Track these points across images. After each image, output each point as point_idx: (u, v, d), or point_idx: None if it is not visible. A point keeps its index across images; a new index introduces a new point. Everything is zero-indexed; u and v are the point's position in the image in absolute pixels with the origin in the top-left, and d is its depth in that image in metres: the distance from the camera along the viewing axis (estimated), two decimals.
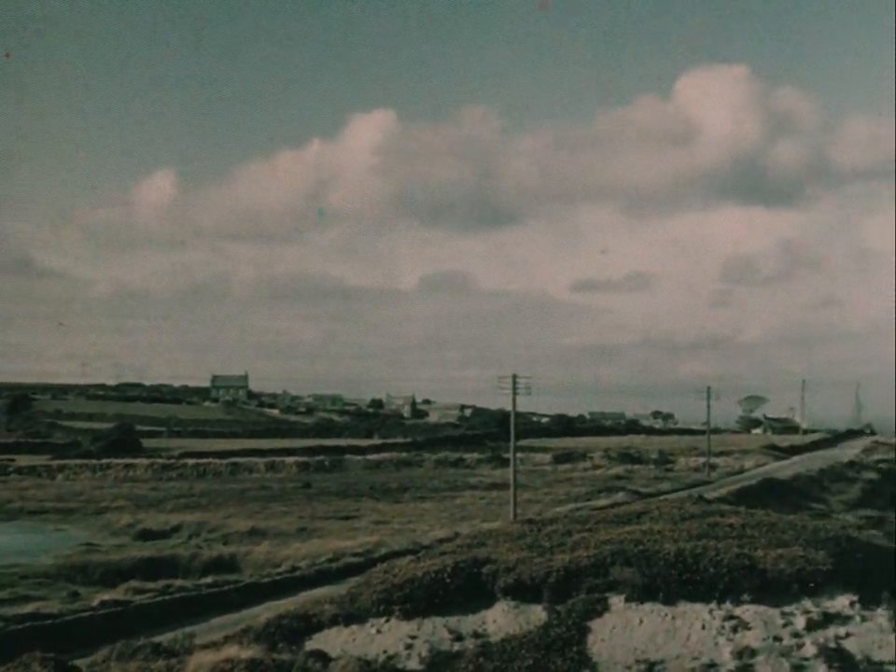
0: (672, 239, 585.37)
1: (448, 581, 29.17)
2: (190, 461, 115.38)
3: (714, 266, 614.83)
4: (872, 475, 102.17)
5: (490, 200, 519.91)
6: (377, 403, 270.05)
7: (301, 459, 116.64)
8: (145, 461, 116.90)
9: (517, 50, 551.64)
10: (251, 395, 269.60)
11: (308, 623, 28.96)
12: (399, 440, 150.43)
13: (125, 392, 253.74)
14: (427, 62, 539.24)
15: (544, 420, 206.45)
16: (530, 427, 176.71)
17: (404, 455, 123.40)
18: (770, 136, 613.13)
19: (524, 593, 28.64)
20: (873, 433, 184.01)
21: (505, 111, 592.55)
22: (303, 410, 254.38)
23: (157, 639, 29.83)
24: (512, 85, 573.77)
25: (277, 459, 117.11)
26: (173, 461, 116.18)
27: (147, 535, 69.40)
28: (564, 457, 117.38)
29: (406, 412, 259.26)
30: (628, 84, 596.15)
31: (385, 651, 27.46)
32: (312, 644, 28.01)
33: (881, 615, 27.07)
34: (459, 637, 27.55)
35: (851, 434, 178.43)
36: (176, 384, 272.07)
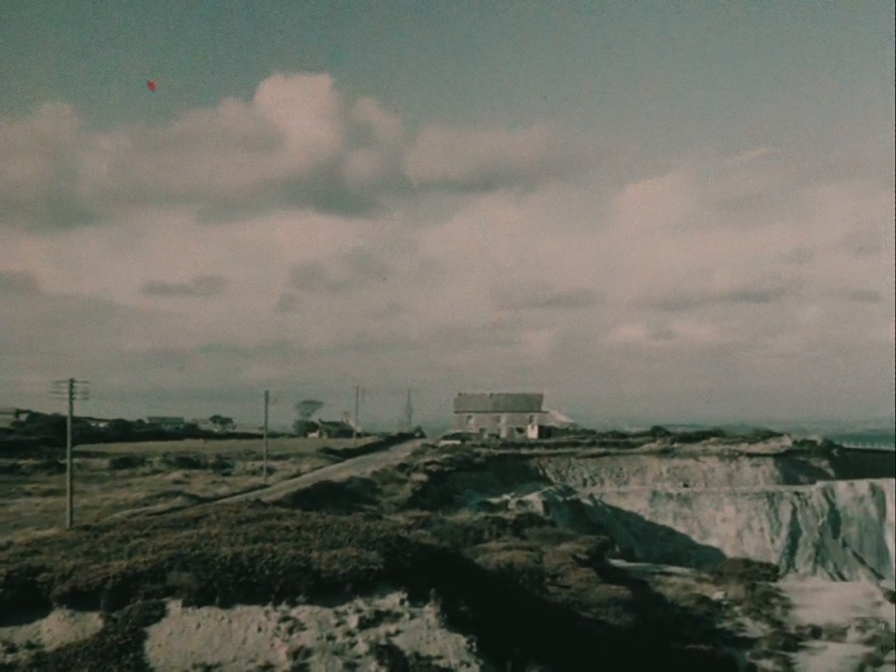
0: (248, 243, 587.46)
1: (1, 591, 28.39)
2: None
3: (286, 272, 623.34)
4: (421, 477, 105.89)
5: (64, 200, 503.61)
6: None
7: None
8: None
9: (98, 45, 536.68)
10: None
11: None
12: None
13: None
14: (3, 55, 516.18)
15: (102, 425, 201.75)
16: (88, 432, 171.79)
17: None
18: (350, 146, 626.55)
19: (80, 600, 28.27)
20: (423, 436, 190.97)
21: (85, 109, 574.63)
22: None
23: None
24: (94, 82, 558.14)
25: None
26: None
27: None
28: (122, 463, 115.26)
29: None
30: (212, 86, 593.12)
31: None
32: None
33: (428, 611, 28.55)
34: (13, 649, 26.86)
35: (403, 437, 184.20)
36: None
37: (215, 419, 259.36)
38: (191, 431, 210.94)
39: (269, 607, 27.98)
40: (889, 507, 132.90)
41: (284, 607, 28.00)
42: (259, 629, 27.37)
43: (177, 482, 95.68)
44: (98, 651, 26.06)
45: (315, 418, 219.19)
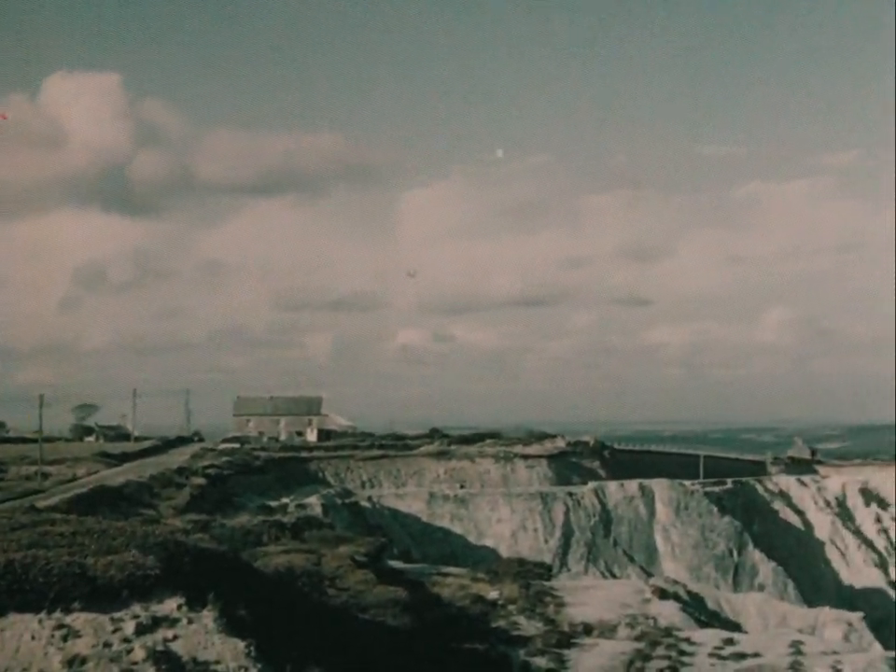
0: (27, 243, 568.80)
1: None
2: None
3: (67, 272, 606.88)
4: (200, 480, 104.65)
5: None
6: None
7: None
8: None
9: None
10: None
11: None
12: None
13: None
14: None
15: None
16: None
17: None
18: (136, 146, 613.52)
19: None
20: (202, 440, 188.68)
21: None
22: None
23: None
24: None
25: None
26: None
27: None
28: None
29: None
30: None
31: None
32: None
33: (206, 616, 28.52)
34: None
35: (181, 441, 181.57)
36: None
37: None
38: None
39: (43, 615, 27.51)
40: (658, 506, 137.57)
41: (58, 614, 27.59)
42: (33, 637, 26.93)
43: None
44: None
45: (91, 422, 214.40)
